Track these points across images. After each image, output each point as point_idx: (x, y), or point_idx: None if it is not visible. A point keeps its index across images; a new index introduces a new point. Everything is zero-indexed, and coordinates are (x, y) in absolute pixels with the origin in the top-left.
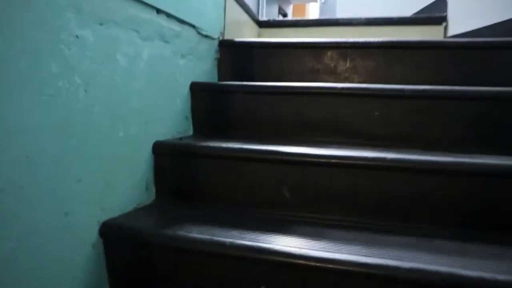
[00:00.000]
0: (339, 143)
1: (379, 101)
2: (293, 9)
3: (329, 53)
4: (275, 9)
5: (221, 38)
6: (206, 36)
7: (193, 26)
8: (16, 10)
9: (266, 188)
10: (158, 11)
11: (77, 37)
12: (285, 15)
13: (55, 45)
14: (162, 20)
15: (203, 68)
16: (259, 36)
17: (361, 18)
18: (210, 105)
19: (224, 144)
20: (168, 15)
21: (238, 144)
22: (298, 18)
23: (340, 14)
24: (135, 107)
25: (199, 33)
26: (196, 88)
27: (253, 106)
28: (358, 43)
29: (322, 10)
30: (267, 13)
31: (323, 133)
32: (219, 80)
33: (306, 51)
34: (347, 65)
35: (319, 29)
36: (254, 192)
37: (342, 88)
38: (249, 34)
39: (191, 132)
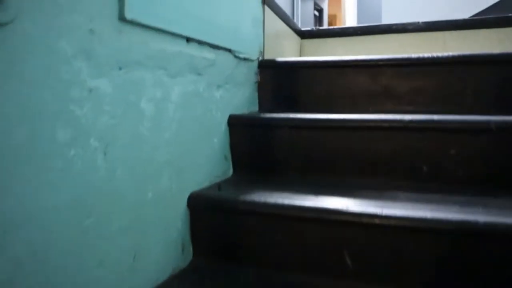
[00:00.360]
0: (407, 190)
1: (456, 136)
2: (329, 3)
3: (387, 71)
4: (310, 5)
5: (260, 59)
6: (245, 59)
7: (229, 50)
8: (6, 67)
9: (323, 253)
10: (188, 39)
11: (91, 90)
12: (320, 10)
13: (63, 105)
14: (193, 49)
15: (242, 96)
16: (301, 48)
17: (418, 22)
18: (251, 141)
19: (271, 199)
20: (200, 43)
21: (287, 197)
22: (346, 26)
23: (386, 9)
24: (165, 159)
25: (236, 57)
26: (235, 122)
27: (301, 142)
28: (421, 59)
29: (360, 2)
30: (303, 9)
31: (386, 176)
32: (260, 106)
33: (359, 70)
34: (409, 86)
35: (369, 38)
36: (309, 257)
37: (410, 122)
38: (291, 48)
39: (230, 173)
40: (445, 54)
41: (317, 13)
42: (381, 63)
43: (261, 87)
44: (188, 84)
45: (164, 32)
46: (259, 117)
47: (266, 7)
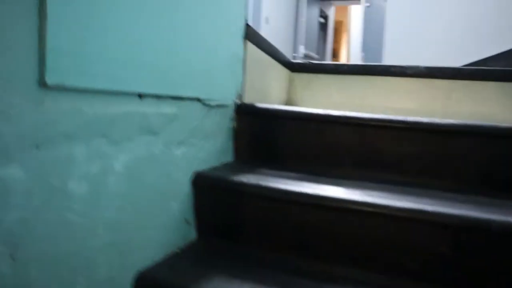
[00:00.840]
0: None
1: (450, 232)
2: (336, 11)
3: (378, 133)
4: (316, 11)
5: (239, 102)
6: (218, 106)
7: (197, 99)
8: None
9: None
10: (142, 95)
11: None
12: (326, 17)
13: None
14: (147, 106)
15: (212, 148)
16: (291, 82)
17: (419, 66)
18: (217, 204)
19: None
20: (158, 97)
21: None
22: (341, 63)
23: (390, 19)
24: (104, 242)
25: (206, 105)
26: (199, 183)
27: (272, 215)
28: (418, 124)
29: (366, 14)
30: (308, 15)
31: (363, 269)
32: (236, 155)
33: (348, 128)
34: (402, 152)
35: (365, 78)
36: None
37: (398, 209)
38: (278, 84)
39: (193, 237)
40: (446, 121)
41: (323, 20)
42: (373, 123)
43: (238, 134)
44: (138, 148)
45: (106, 92)
46: (227, 179)
47: (249, 43)
